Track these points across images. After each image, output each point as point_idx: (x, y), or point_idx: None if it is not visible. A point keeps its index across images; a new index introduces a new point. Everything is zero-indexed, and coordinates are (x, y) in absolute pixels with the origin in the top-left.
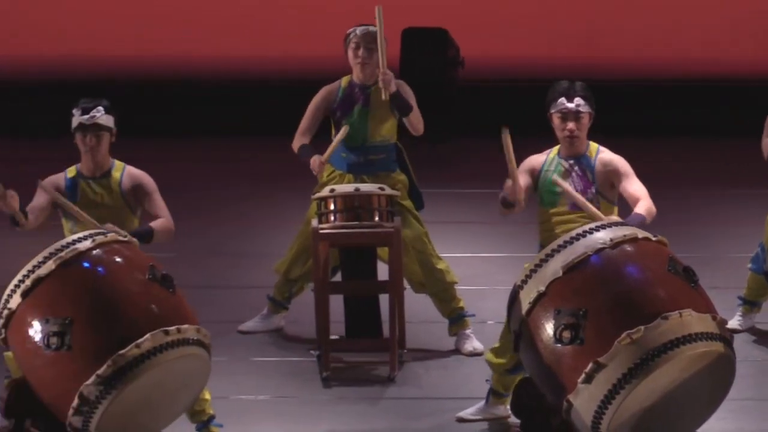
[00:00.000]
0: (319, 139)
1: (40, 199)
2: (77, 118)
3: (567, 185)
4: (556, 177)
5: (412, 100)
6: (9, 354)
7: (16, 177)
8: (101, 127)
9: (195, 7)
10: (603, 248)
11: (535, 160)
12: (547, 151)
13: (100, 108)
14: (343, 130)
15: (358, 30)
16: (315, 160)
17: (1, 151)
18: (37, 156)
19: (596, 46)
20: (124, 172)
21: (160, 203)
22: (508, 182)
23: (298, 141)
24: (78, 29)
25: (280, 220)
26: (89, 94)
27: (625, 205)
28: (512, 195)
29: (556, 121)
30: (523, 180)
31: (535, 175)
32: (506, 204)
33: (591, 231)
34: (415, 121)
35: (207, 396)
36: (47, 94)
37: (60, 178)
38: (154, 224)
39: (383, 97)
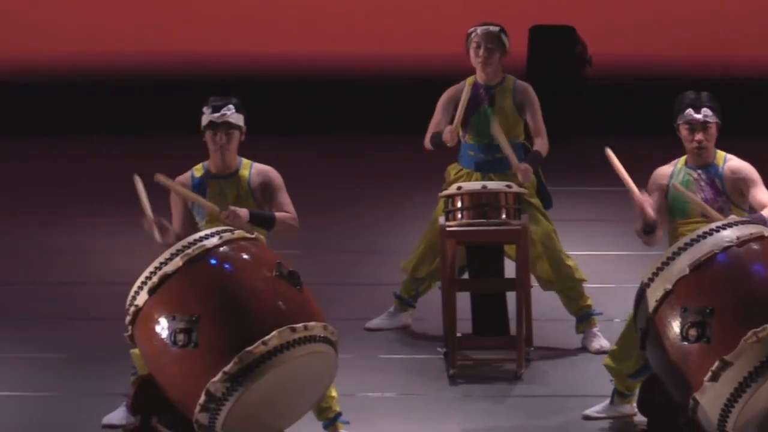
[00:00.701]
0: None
1: (176, 209)
2: (207, 116)
3: (690, 193)
4: (676, 183)
5: (537, 107)
6: (135, 351)
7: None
8: (231, 125)
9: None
10: (729, 246)
11: (662, 173)
12: (674, 161)
13: (231, 106)
14: (465, 92)
15: (479, 29)
16: (446, 131)
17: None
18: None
19: (726, 45)
20: (252, 170)
21: (286, 199)
22: (637, 200)
23: (429, 137)
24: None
25: (407, 217)
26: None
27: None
28: (639, 209)
29: (683, 132)
30: (655, 200)
31: (664, 189)
32: (646, 229)
33: (717, 229)
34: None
35: (334, 393)
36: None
37: (187, 178)
38: (277, 213)
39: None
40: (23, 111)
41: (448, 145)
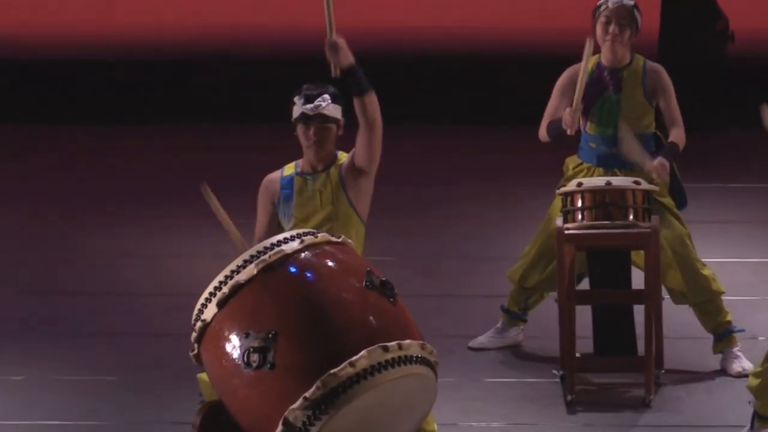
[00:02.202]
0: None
1: (263, 209)
2: (299, 107)
3: None
4: None
5: (671, 92)
6: (203, 375)
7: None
8: (327, 119)
9: None
10: None
11: None
12: None
13: (326, 96)
14: (584, 68)
15: (610, 2)
16: (565, 114)
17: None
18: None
19: None
20: (345, 162)
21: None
22: None
23: (544, 125)
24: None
25: (522, 219)
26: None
27: None
28: None
29: None
30: None
31: None
32: None
33: None
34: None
35: (433, 423)
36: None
37: (275, 178)
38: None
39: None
40: (73, 96)
41: (569, 132)
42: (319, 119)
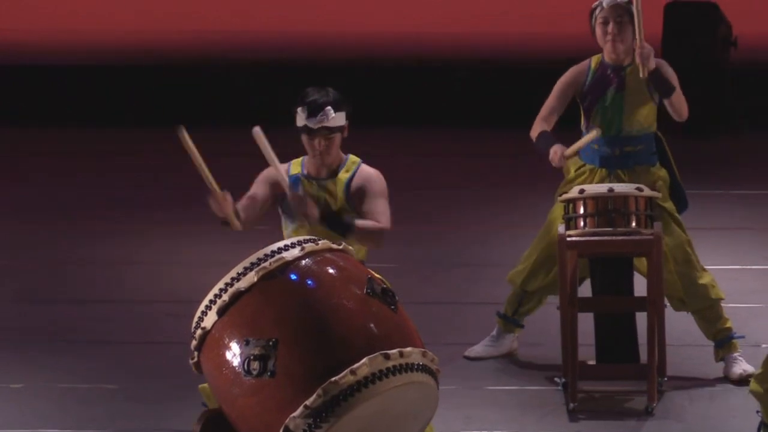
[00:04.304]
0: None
1: (259, 190)
2: (302, 119)
3: None
4: None
5: (675, 82)
6: (205, 385)
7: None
8: (332, 130)
9: None
10: None
11: None
12: None
13: (329, 108)
14: (595, 132)
15: (605, 2)
16: (556, 152)
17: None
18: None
19: None
20: (355, 173)
21: (380, 207)
22: None
23: (538, 127)
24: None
25: (525, 225)
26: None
27: None
28: None
29: None
30: None
31: None
32: None
33: None
34: (678, 105)
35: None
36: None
37: (283, 171)
38: (358, 221)
39: (641, 74)
40: (73, 99)
41: (554, 165)
42: (324, 132)
